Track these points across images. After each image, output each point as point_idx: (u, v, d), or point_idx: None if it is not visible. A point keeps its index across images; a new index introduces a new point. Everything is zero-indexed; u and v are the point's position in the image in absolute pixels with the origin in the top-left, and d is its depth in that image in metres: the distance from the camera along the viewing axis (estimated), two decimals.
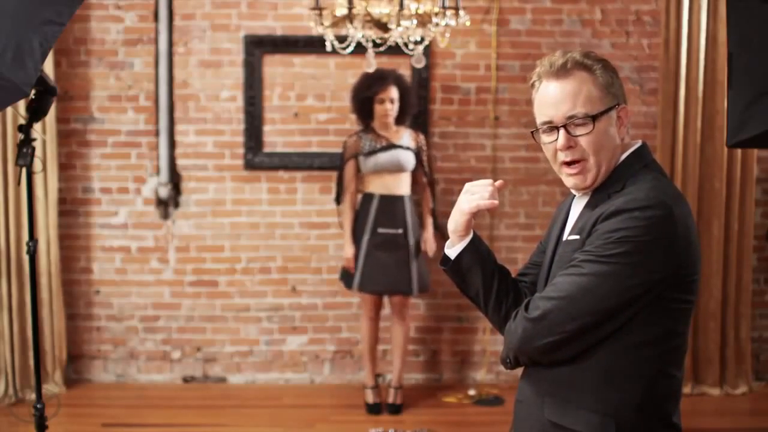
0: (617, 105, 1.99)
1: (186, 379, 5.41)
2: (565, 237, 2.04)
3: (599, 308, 1.86)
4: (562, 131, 1.96)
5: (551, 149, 2.00)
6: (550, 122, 1.99)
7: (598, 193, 2.00)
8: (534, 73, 2.03)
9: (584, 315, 1.87)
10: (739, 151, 5.13)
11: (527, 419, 2.05)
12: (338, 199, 4.99)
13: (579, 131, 1.96)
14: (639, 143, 2.04)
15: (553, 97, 1.98)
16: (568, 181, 2.02)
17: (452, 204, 2.10)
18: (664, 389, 1.91)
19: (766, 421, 4.93)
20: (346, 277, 4.93)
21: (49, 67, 4.87)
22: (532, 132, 2.05)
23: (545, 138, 2.01)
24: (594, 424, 1.90)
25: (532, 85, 2.04)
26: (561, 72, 1.97)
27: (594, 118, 1.95)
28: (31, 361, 4.86)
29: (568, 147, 1.96)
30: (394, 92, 4.83)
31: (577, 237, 1.96)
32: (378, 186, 4.89)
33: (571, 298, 1.87)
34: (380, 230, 4.85)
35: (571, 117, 1.96)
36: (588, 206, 2.01)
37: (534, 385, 2.02)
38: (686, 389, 5.25)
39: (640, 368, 1.89)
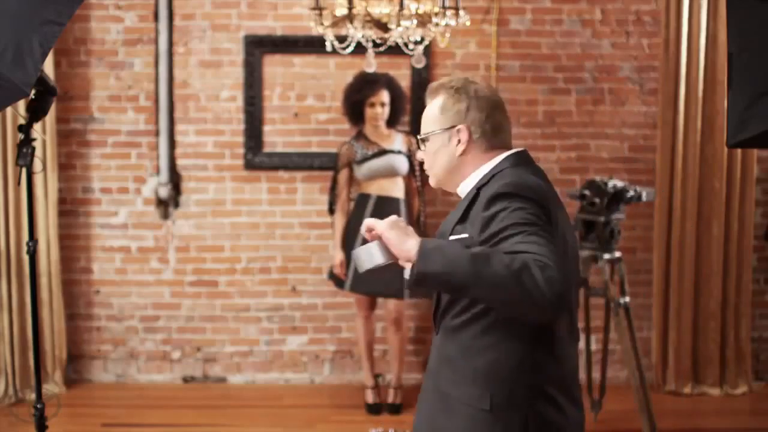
0: (452, 127, 2.18)
1: (186, 379, 5.41)
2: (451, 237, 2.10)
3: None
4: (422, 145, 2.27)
5: None
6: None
7: (466, 195, 2.17)
8: None
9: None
10: (739, 151, 5.13)
11: (425, 390, 2.17)
12: (331, 208, 5.00)
13: (420, 148, 2.27)
14: (508, 153, 2.18)
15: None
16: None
17: (451, 204, 2.12)
18: (535, 359, 2.00)
19: (766, 421, 4.93)
20: (335, 276, 4.94)
21: (49, 67, 4.87)
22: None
23: None
24: (475, 396, 2.00)
25: None
26: (429, 94, 2.26)
27: (423, 139, 2.24)
28: (31, 361, 4.86)
29: (423, 159, 2.28)
30: (384, 96, 4.83)
31: (465, 234, 2.04)
32: (374, 188, 4.89)
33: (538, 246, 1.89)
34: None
35: (421, 135, 2.26)
36: (460, 206, 2.16)
37: (437, 353, 2.14)
38: (686, 389, 5.25)
39: (511, 340, 1.98)
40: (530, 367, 1.99)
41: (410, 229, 1.99)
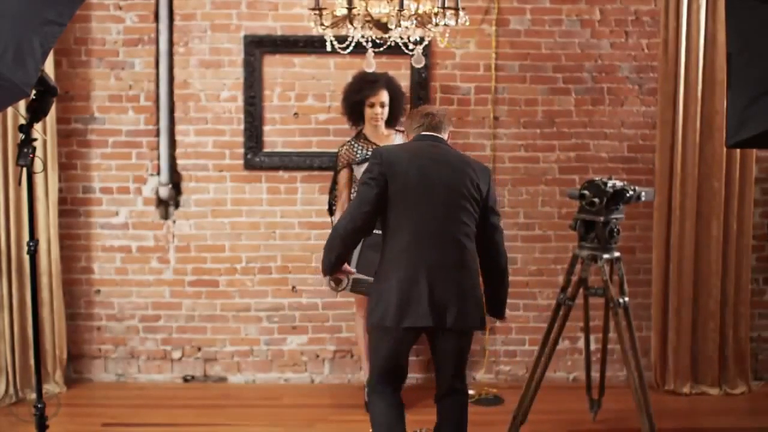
0: None
1: (186, 379, 5.42)
2: None
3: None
4: None
5: None
6: None
7: None
8: None
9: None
10: (738, 151, 5.14)
11: None
12: (331, 209, 5.00)
13: None
14: (416, 135, 3.74)
15: None
16: None
17: None
18: (384, 245, 3.60)
19: (765, 421, 4.93)
20: None
21: (49, 67, 4.87)
22: None
23: None
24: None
25: None
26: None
27: None
28: (32, 361, 4.87)
29: None
30: (384, 96, 4.83)
31: None
32: None
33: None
34: (375, 230, 4.83)
35: None
36: None
37: None
38: (685, 389, 5.26)
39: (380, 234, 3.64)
40: (383, 248, 3.59)
41: None
